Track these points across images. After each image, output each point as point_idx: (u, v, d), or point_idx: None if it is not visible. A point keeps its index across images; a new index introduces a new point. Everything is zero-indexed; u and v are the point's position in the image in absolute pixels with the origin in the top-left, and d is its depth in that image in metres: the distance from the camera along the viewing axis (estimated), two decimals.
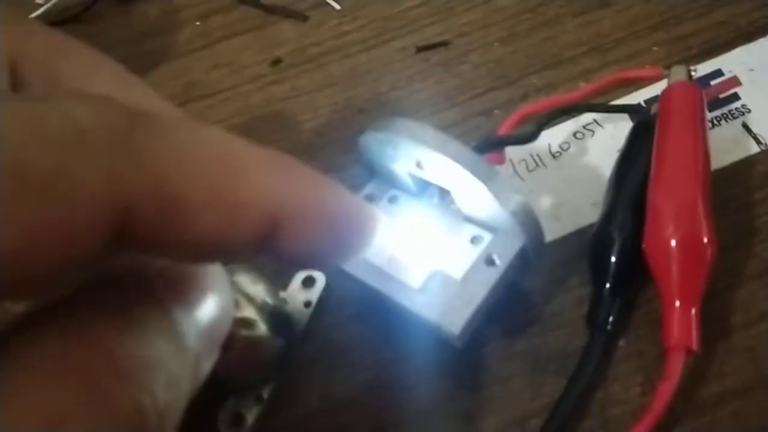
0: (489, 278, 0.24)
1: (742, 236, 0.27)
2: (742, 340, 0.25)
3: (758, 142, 0.30)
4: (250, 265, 0.30)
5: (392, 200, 0.28)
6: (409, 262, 0.25)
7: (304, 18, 0.43)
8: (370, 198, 0.28)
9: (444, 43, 0.38)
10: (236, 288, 0.28)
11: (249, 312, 0.28)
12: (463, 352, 0.24)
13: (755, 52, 0.33)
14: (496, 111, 0.34)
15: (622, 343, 0.26)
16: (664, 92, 0.28)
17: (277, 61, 0.41)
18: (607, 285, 0.25)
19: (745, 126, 0.30)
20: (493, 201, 0.23)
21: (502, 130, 0.30)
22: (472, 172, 0.23)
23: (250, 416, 0.27)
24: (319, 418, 0.27)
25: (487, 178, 0.23)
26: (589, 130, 0.32)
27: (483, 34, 0.38)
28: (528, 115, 0.30)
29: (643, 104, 0.32)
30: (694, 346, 0.22)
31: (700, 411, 0.24)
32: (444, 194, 0.26)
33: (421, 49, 0.39)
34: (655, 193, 0.24)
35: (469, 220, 0.25)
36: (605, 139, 0.31)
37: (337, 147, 0.35)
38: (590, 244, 0.27)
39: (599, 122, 0.32)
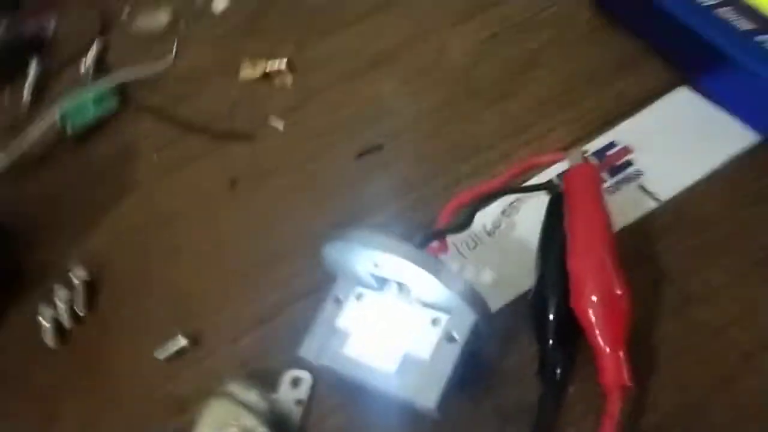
0: (452, 353, 0.28)
1: (654, 281, 0.32)
2: (669, 372, 0.29)
3: (654, 199, 0.35)
4: (240, 374, 0.33)
5: (359, 297, 0.32)
6: (382, 350, 0.29)
7: (252, 138, 0.47)
8: (338, 299, 0.32)
9: (379, 147, 0.44)
10: (233, 398, 0.32)
11: (248, 420, 0.31)
12: (437, 420, 0.28)
13: (639, 123, 0.39)
14: (432, 201, 0.39)
15: (571, 389, 0.30)
16: (565, 174, 0.33)
17: (233, 182, 0.45)
18: (550, 341, 0.30)
19: (641, 187, 0.36)
20: (442, 288, 0.27)
21: (441, 220, 0.35)
22: (421, 267, 0.27)
23: None
24: None
25: (434, 270, 0.27)
26: (514, 207, 0.37)
27: (412, 134, 0.44)
28: (461, 204, 0.35)
29: (555, 179, 0.37)
30: (627, 383, 0.27)
31: None
32: (402, 286, 0.31)
33: (359, 155, 0.44)
34: (571, 260, 0.29)
35: (426, 305, 0.30)
36: (530, 211, 0.37)
37: (299, 254, 0.39)
38: (530, 308, 0.32)
39: (522, 200, 0.37)
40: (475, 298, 0.28)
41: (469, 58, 0.47)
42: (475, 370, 0.30)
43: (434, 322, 0.29)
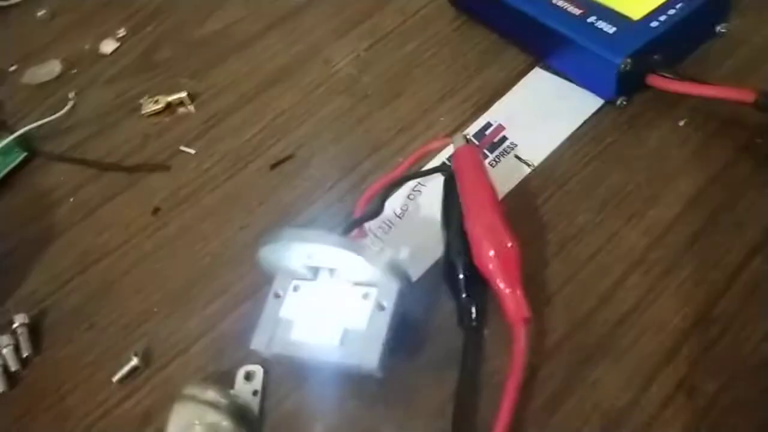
0: (384, 319, 0.33)
1: (536, 231, 0.39)
2: (559, 301, 0.36)
3: (528, 165, 0.42)
4: (197, 378, 0.37)
5: (296, 289, 0.36)
6: (324, 330, 0.34)
7: (167, 168, 0.50)
8: (277, 294, 0.36)
9: (290, 157, 0.48)
10: (194, 399, 0.35)
11: (211, 416, 0.35)
12: (380, 379, 0.33)
13: (507, 103, 0.46)
14: (346, 196, 0.44)
15: (487, 333, 0.36)
16: (453, 155, 0.39)
17: (156, 210, 0.48)
18: (463, 295, 0.36)
19: (517, 157, 0.43)
20: (368, 266, 0.32)
21: (357, 211, 0.40)
22: (347, 251, 0.32)
23: None
24: None
25: (359, 251, 0.32)
26: (416, 191, 0.43)
27: (317, 141, 0.48)
28: (372, 195, 0.40)
29: (447, 162, 0.43)
30: (527, 314, 0.33)
31: (548, 356, 0.34)
32: (333, 271, 0.35)
33: (273, 166, 0.48)
34: (468, 224, 0.35)
35: (356, 284, 0.34)
36: (430, 192, 0.42)
37: (233, 263, 0.43)
38: (443, 270, 0.37)
39: (422, 183, 0.43)
40: (395, 270, 0.33)
41: (354, 68, 0.52)
42: (406, 331, 0.35)
43: (365, 296, 0.34)
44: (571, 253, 0.37)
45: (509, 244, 0.34)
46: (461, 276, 0.36)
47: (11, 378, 0.41)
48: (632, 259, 0.37)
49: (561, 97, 0.45)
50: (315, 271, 0.36)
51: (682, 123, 0.42)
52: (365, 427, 0.34)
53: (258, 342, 0.35)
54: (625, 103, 0.43)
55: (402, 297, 0.34)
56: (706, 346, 0.33)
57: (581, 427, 0.32)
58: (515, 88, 0.47)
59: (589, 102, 0.44)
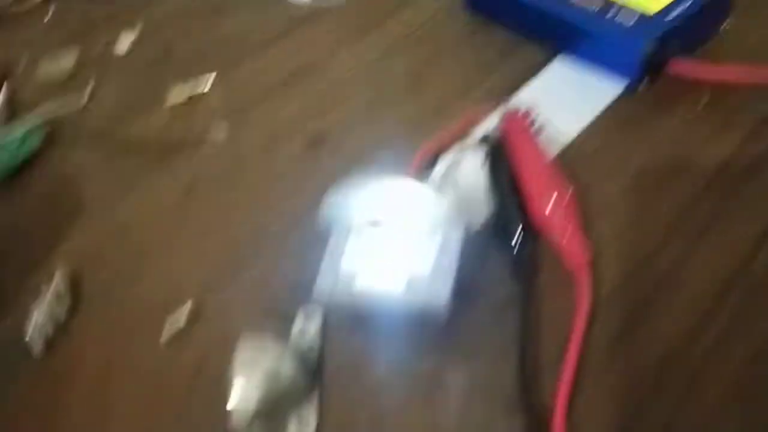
0: (449, 262, 0.34)
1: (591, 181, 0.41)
2: (609, 255, 0.38)
3: (556, 147, 0.45)
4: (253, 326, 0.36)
5: (356, 241, 0.37)
6: (388, 278, 0.35)
7: (194, 151, 0.51)
8: (339, 244, 0.37)
9: (323, 138, 0.49)
10: (254, 346, 0.35)
11: (272, 360, 0.34)
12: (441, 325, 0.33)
13: (531, 91, 0.49)
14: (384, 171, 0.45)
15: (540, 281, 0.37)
16: (504, 118, 0.41)
17: (189, 189, 0.48)
18: (517, 247, 0.37)
19: (546, 138, 0.45)
20: (432, 210, 0.34)
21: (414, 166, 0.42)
22: (414, 195, 0.33)
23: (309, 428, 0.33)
24: (361, 408, 0.34)
25: (424, 196, 0.33)
26: (454, 165, 0.45)
27: (351, 126, 0.50)
28: (426, 153, 0.42)
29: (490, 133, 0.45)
30: (587, 257, 0.34)
31: (604, 302, 0.35)
32: (396, 219, 0.36)
33: (309, 147, 0.49)
34: (526, 177, 0.37)
35: (420, 231, 0.36)
36: (468, 165, 0.44)
37: (280, 227, 0.43)
38: (492, 229, 0.39)
39: (460, 159, 0.45)
40: (458, 215, 0.35)
41: (374, 68, 0.54)
42: (462, 281, 0.36)
43: (428, 242, 0.35)
44: (613, 214, 0.40)
45: (569, 191, 0.36)
46: (514, 230, 0.37)
47: (50, 344, 0.39)
48: (667, 221, 0.39)
49: (583, 85, 0.48)
50: (377, 222, 0.37)
51: (700, 107, 0.45)
52: (427, 370, 0.35)
53: (321, 291, 0.35)
54: (645, 87, 0.46)
55: (465, 242, 0.35)
56: (753, 290, 0.35)
57: (643, 364, 0.33)
58: (538, 78, 0.50)
59: (611, 88, 0.47)
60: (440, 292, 0.33)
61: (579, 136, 0.45)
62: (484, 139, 0.43)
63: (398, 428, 0.33)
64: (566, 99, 0.48)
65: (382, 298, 0.34)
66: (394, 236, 0.36)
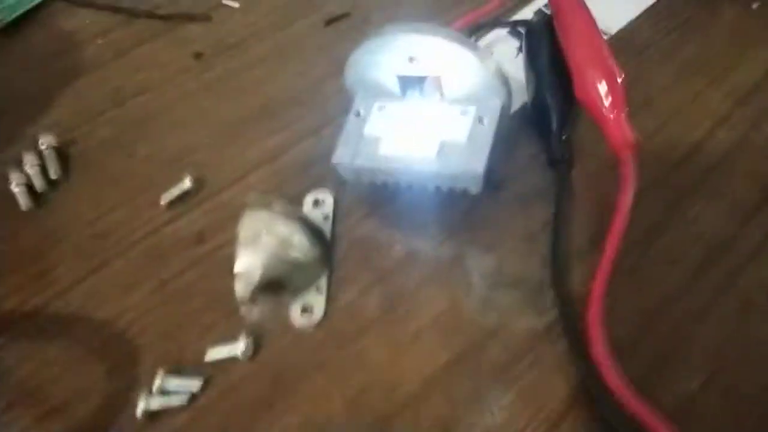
0: (487, 132, 0.31)
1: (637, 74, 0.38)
2: (650, 148, 0.35)
3: (605, 34, 0.41)
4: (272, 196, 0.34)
5: (381, 109, 0.34)
6: (418, 143, 0.32)
7: (208, 18, 0.47)
8: (359, 113, 0.34)
9: (346, 15, 0.45)
10: (264, 209, 0.32)
11: (283, 227, 0.32)
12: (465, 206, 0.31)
13: None
14: None
15: (573, 173, 0.34)
16: None
17: (199, 55, 0.44)
18: (556, 132, 0.34)
19: None
20: (479, 66, 0.30)
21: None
22: (464, 47, 0.30)
23: (318, 306, 0.31)
24: (374, 289, 0.31)
25: (472, 48, 0.30)
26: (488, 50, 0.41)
27: (377, 2, 0.46)
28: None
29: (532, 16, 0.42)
30: (634, 139, 0.31)
31: (644, 194, 0.33)
32: (425, 90, 0.33)
33: (328, 23, 0.45)
34: (573, 55, 0.33)
35: (452, 101, 0.32)
36: (501, 49, 0.41)
37: (292, 104, 0.40)
38: (532, 113, 0.36)
39: (492, 43, 0.41)
40: (504, 79, 0.31)
41: None
42: (495, 161, 0.34)
43: (463, 113, 0.32)
44: (657, 107, 0.37)
45: (617, 71, 0.33)
46: (554, 113, 0.34)
47: (38, 198, 0.37)
48: (719, 115, 0.36)
49: None
50: (405, 87, 0.33)
51: (755, 6, 0.42)
52: (448, 250, 0.32)
53: (341, 155, 0.32)
54: None
55: (503, 113, 0.32)
56: None
57: (683, 256, 0.31)
58: None
59: None
60: (477, 161, 0.30)
61: (626, 27, 0.42)
62: (526, 22, 0.40)
63: (414, 310, 0.31)
64: None
65: (410, 164, 0.31)
66: (424, 106, 0.33)
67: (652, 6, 0.42)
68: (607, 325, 0.27)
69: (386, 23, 0.31)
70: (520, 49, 0.40)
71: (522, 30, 0.40)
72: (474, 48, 0.30)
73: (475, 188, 0.31)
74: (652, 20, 0.42)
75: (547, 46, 0.37)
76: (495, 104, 0.32)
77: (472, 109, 0.32)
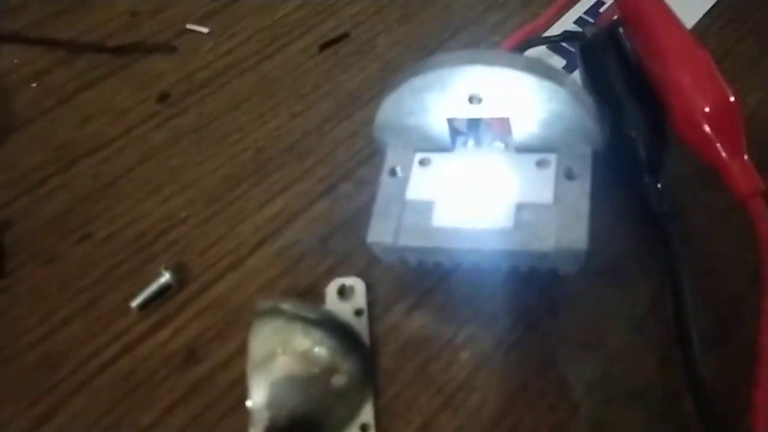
0: (581, 189, 0.23)
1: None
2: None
3: None
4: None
5: (424, 163, 0.25)
6: (484, 209, 0.23)
7: (172, 48, 0.38)
8: (395, 172, 0.25)
9: (345, 35, 0.37)
10: (274, 319, 0.23)
11: (301, 341, 0.23)
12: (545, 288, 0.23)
13: None
14: None
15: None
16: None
17: (164, 96, 0.35)
18: (646, 176, 0.26)
19: None
20: (570, 102, 0.22)
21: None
22: (551, 81, 0.22)
23: None
24: (440, 417, 0.23)
25: (562, 81, 0.22)
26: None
27: (379, 19, 0.38)
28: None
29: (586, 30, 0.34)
30: (761, 183, 0.24)
31: None
32: (481, 137, 0.25)
33: (323, 46, 0.37)
34: (671, 73, 0.26)
35: (521, 150, 0.24)
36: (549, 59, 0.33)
37: (291, 156, 0.31)
38: (608, 149, 0.28)
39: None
40: (597, 119, 0.23)
41: None
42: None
43: (541, 164, 0.24)
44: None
45: (731, 98, 0.25)
46: (644, 153, 0.26)
47: None
48: None
49: None
50: (456, 135, 0.25)
51: None
52: (533, 353, 0.24)
53: (380, 232, 0.24)
54: None
55: (596, 160, 0.24)
56: None
57: None
58: None
59: None
60: (575, 231, 0.22)
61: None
62: (577, 36, 0.32)
63: None
64: None
65: (478, 239, 0.23)
66: (486, 159, 0.25)
67: (712, 8, 0.35)
68: None
69: (438, 53, 0.23)
70: (566, 69, 0.32)
71: (571, 47, 0.32)
72: (563, 81, 0.22)
73: (572, 268, 0.23)
74: (716, 24, 0.35)
75: (615, 65, 0.29)
76: (585, 151, 0.24)
77: (551, 159, 0.24)
